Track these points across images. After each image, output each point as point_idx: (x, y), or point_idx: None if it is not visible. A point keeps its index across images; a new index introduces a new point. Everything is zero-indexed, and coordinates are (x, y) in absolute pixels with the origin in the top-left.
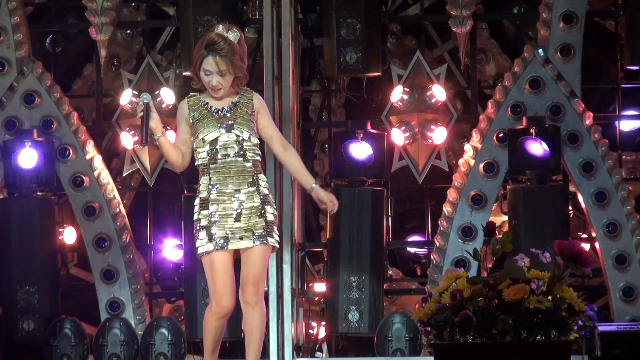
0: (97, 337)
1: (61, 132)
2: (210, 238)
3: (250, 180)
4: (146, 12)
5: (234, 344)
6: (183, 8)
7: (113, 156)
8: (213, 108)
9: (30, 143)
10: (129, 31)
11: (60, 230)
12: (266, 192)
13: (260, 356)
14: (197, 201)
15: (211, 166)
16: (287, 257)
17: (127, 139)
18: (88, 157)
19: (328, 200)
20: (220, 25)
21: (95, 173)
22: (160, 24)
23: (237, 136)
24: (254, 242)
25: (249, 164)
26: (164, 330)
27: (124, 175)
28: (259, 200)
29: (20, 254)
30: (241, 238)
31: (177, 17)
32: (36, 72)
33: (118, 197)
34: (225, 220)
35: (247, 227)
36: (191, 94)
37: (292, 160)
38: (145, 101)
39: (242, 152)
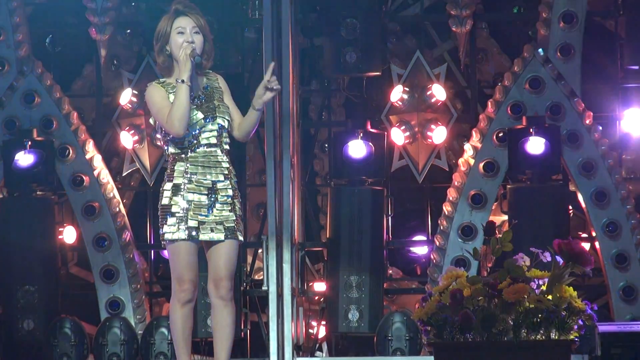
0: (97, 337)
1: (61, 131)
2: (180, 226)
3: (226, 172)
4: (146, 12)
5: (234, 342)
6: None
7: (113, 156)
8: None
9: (30, 143)
10: (128, 31)
11: (60, 229)
12: (236, 186)
13: (230, 354)
14: (168, 186)
15: (189, 154)
16: (287, 257)
17: (126, 139)
18: (88, 156)
19: (264, 86)
20: None
21: (95, 172)
22: None
23: (220, 125)
24: (225, 236)
25: (224, 155)
26: (164, 330)
27: (123, 174)
28: (231, 193)
29: (20, 254)
30: (212, 230)
31: None
32: (36, 72)
33: (118, 197)
34: (199, 211)
35: (219, 219)
36: (159, 79)
37: (245, 121)
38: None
39: (219, 142)
